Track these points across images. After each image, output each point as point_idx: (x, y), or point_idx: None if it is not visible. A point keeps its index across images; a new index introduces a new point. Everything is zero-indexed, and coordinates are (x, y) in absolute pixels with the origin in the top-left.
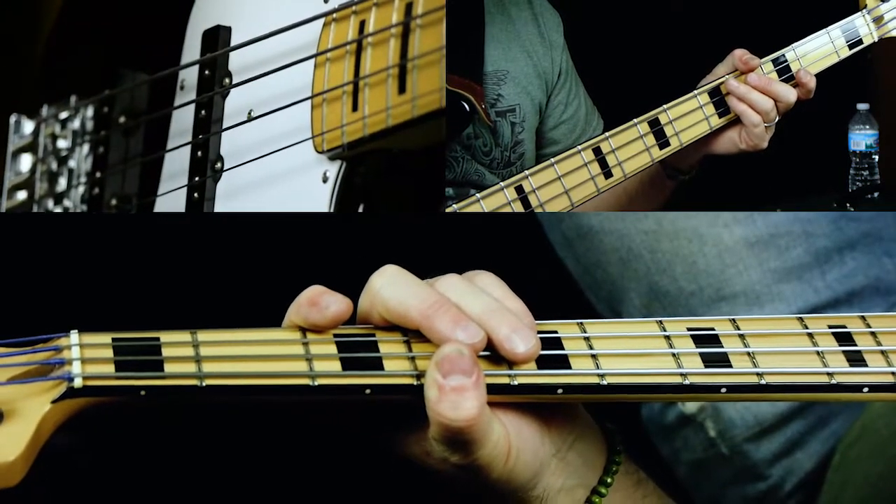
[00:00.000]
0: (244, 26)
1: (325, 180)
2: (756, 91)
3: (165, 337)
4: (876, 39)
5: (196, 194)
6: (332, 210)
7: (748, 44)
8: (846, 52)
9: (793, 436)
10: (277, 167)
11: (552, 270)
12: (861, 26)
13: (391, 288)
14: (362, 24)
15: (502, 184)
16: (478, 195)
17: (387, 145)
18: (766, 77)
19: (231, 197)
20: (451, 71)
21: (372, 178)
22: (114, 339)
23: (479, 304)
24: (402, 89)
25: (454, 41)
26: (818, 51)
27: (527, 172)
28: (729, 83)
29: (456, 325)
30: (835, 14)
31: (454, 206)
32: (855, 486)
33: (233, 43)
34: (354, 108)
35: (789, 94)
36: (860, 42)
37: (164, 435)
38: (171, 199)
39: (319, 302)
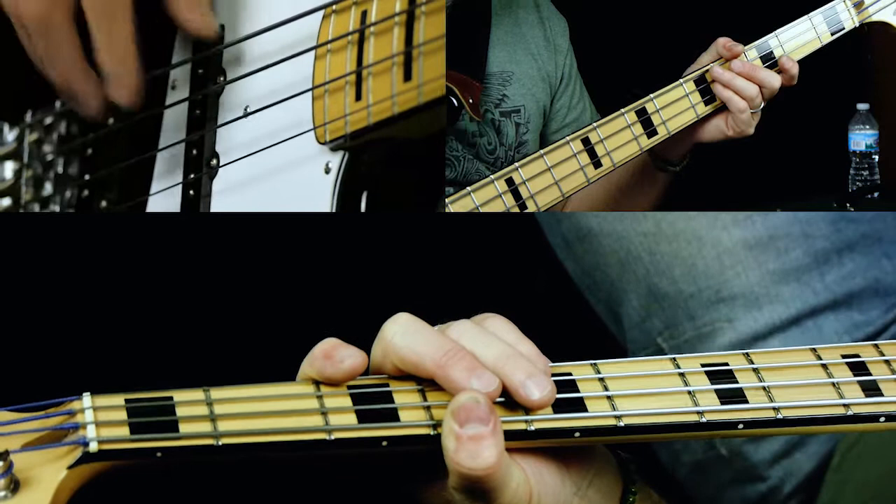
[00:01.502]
0: (238, 24)
1: (327, 171)
2: (741, 77)
3: (178, 396)
4: (857, 24)
5: (192, 191)
6: (334, 201)
7: (731, 31)
8: (828, 38)
9: (792, 437)
10: (278, 160)
11: (551, 272)
12: (842, 11)
13: (404, 337)
14: (364, 15)
15: (492, 176)
16: (469, 188)
17: (389, 134)
18: (749, 63)
19: (232, 191)
20: (449, 66)
21: (375, 167)
22: (127, 401)
23: (493, 350)
24: (407, 76)
25: (459, 38)
26: (801, 37)
27: (516, 164)
28: (714, 70)
29: (471, 373)
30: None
31: (446, 201)
32: (854, 488)
33: (226, 41)
34: (358, 97)
35: (773, 80)
36: (842, 28)
37: (181, 485)
38: (165, 200)
39: (334, 355)
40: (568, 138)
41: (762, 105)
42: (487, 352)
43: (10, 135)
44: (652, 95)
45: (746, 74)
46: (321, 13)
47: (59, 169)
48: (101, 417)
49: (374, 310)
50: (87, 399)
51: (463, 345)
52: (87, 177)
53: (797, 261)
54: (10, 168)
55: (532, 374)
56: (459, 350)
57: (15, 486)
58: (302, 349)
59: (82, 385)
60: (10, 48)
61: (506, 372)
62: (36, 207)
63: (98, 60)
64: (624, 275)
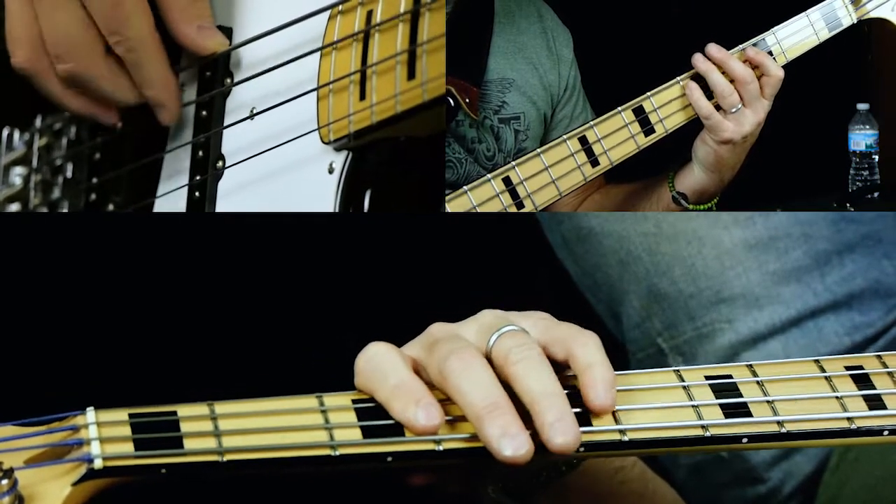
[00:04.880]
0: (245, 26)
1: (331, 171)
2: (717, 72)
3: (182, 410)
4: (855, 21)
5: (197, 193)
6: (338, 201)
7: (730, 30)
8: (826, 36)
9: None
10: (283, 160)
11: (552, 272)
12: (840, 8)
13: (462, 376)
14: (369, 14)
15: (489, 175)
16: (465, 187)
17: (393, 133)
18: (725, 51)
19: (237, 192)
20: (449, 73)
21: (379, 166)
22: (131, 416)
23: (541, 386)
24: (411, 75)
25: (459, 45)
26: (798, 34)
27: (513, 163)
28: (695, 58)
29: (503, 436)
30: None
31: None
32: (852, 489)
33: (233, 43)
34: (362, 96)
35: (744, 73)
36: (840, 25)
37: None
38: (171, 203)
39: (426, 415)
40: (565, 137)
41: (739, 107)
42: (535, 386)
43: (20, 140)
44: (649, 94)
45: (720, 61)
46: (327, 14)
47: (68, 174)
48: (105, 433)
49: (375, 308)
50: (90, 414)
51: (511, 371)
52: (94, 180)
53: (797, 261)
54: (19, 173)
55: (561, 420)
56: (500, 405)
57: (20, 503)
58: (305, 348)
59: (85, 390)
60: None
61: (541, 408)
62: (44, 211)
63: (144, 95)
64: (624, 275)
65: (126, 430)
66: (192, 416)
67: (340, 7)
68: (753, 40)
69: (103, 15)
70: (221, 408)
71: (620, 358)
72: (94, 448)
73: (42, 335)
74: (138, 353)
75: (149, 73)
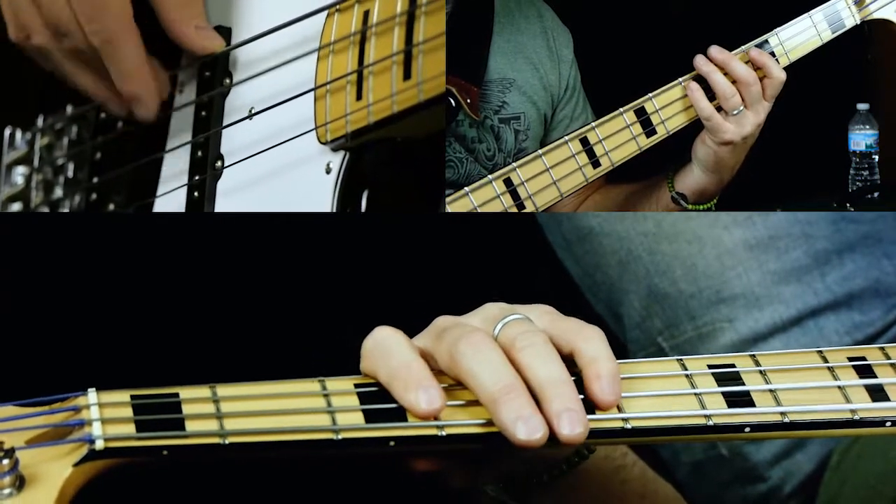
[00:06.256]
0: (244, 26)
1: (328, 171)
2: (719, 72)
3: (185, 393)
4: (858, 22)
5: (196, 193)
6: (335, 201)
7: (732, 30)
8: (829, 37)
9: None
10: (280, 160)
11: (552, 272)
12: (843, 9)
13: (474, 359)
14: (366, 14)
15: (490, 176)
16: (467, 189)
17: (390, 133)
18: (727, 52)
19: (234, 192)
20: (449, 73)
21: (376, 167)
22: (132, 397)
23: (547, 372)
24: (407, 75)
25: (460, 45)
26: (801, 35)
27: (514, 165)
28: (697, 60)
29: (518, 418)
30: None
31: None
32: (853, 487)
33: (232, 43)
34: (359, 96)
35: (747, 74)
36: (843, 26)
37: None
38: (170, 202)
39: (427, 398)
40: (566, 138)
41: (741, 108)
42: (542, 372)
43: (22, 140)
44: (651, 95)
45: (722, 63)
46: (325, 12)
47: (69, 173)
48: (106, 414)
49: (374, 309)
50: (92, 395)
51: (517, 357)
52: (95, 180)
53: (797, 261)
54: (20, 173)
55: (569, 409)
56: (514, 388)
57: (20, 483)
58: (303, 347)
59: (88, 381)
60: (22, 55)
61: (548, 396)
62: (46, 211)
63: (117, 87)
64: (624, 275)
65: (128, 412)
66: (194, 399)
67: (338, 7)
68: (756, 41)
69: (81, 3)
70: (223, 390)
71: (621, 358)
72: (96, 429)
73: (44, 332)
74: (138, 351)
75: (124, 66)
